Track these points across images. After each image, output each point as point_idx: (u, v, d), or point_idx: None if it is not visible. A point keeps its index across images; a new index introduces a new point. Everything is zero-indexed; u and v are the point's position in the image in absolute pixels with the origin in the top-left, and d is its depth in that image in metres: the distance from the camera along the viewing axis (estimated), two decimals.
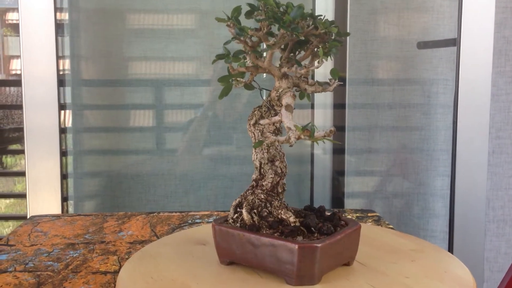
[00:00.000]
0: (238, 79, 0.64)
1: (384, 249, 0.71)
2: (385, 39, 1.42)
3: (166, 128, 1.42)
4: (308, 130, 0.54)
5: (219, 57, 0.61)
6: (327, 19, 0.58)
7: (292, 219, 0.60)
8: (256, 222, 0.62)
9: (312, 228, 0.60)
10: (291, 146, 0.54)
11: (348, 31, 1.41)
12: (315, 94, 0.64)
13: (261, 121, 0.62)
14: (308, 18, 0.58)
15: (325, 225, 0.61)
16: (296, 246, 0.56)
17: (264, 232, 0.61)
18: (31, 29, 1.25)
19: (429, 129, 1.42)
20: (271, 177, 0.64)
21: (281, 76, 0.62)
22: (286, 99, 0.59)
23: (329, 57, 0.60)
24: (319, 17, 0.59)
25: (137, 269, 0.66)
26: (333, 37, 0.58)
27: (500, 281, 1.04)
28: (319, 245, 0.57)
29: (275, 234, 0.60)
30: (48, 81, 1.27)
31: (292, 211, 0.64)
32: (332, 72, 0.62)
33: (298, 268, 0.57)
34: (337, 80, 0.61)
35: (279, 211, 0.62)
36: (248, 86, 0.65)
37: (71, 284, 0.73)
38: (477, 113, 1.31)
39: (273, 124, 0.63)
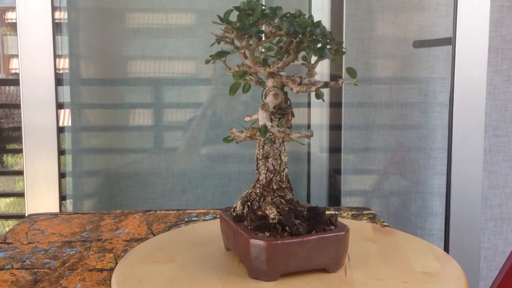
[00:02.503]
0: (251, 77, 0.67)
1: (395, 265, 0.64)
2: (382, 38, 1.42)
3: (164, 127, 1.43)
4: (254, 129, 0.55)
5: (213, 56, 0.62)
6: (303, 18, 0.58)
7: (272, 215, 0.62)
8: (244, 214, 0.64)
9: (287, 227, 0.61)
10: (237, 142, 0.56)
11: (344, 30, 1.41)
12: (315, 93, 0.64)
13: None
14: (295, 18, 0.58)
15: (295, 225, 0.60)
16: (250, 240, 0.58)
17: (245, 224, 0.63)
18: (28, 28, 1.26)
19: (427, 128, 1.43)
20: (263, 173, 0.65)
21: (267, 75, 0.64)
22: (267, 98, 0.61)
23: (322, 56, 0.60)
24: (303, 17, 0.59)
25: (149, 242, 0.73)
26: (319, 38, 0.58)
27: (494, 279, 1.05)
28: (271, 243, 0.57)
29: (248, 227, 0.62)
30: (46, 80, 1.28)
31: (287, 208, 0.64)
32: (349, 71, 0.61)
33: (252, 261, 0.59)
34: (355, 80, 0.60)
35: (266, 206, 0.63)
36: (261, 83, 0.67)
37: (67, 281, 0.73)
38: (472, 112, 1.32)
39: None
